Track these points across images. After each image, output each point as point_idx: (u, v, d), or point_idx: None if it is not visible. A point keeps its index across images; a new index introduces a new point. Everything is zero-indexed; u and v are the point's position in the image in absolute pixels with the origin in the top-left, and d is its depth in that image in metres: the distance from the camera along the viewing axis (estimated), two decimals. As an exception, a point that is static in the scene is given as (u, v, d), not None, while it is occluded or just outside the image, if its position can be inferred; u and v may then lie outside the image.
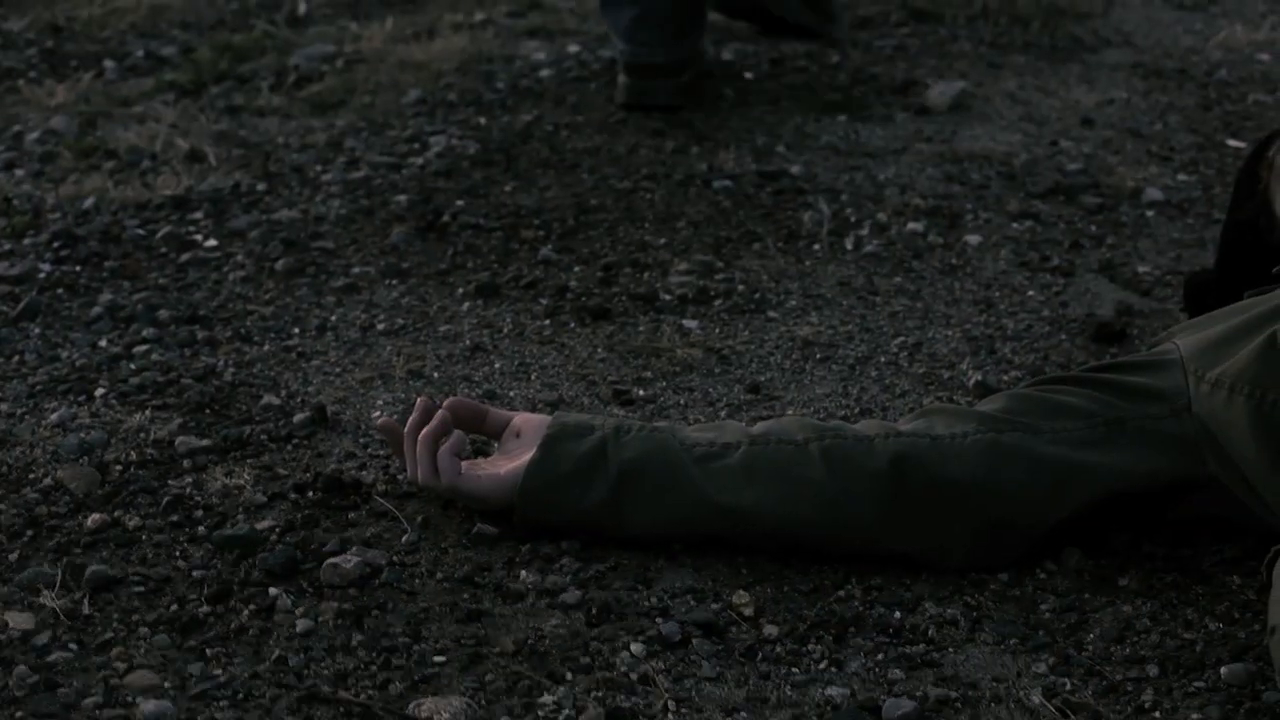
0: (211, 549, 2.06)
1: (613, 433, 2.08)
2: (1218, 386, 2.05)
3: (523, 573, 2.00)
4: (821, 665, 1.86)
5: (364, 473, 2.24)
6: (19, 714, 1.73)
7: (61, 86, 3.88)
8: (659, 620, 1.91)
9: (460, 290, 2.82)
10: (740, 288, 2.82)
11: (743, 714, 1.77)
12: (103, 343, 2.66)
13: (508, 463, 2.10)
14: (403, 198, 3.18)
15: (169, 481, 2.22)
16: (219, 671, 1.81)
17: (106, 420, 2.40)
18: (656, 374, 2.54)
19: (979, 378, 2.52)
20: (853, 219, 3.09)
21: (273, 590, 1.96)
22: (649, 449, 2.06)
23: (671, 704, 1.78)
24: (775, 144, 3.44)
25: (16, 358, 2.62)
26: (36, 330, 2.71)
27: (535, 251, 2.96)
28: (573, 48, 3.99)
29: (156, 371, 2.55)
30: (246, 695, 1.78)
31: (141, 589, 1.96)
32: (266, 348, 2.64)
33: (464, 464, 2.11)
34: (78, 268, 2.94)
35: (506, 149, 3.41)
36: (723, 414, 2.42)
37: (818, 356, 2.60)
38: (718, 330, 2.68)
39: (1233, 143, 3.50)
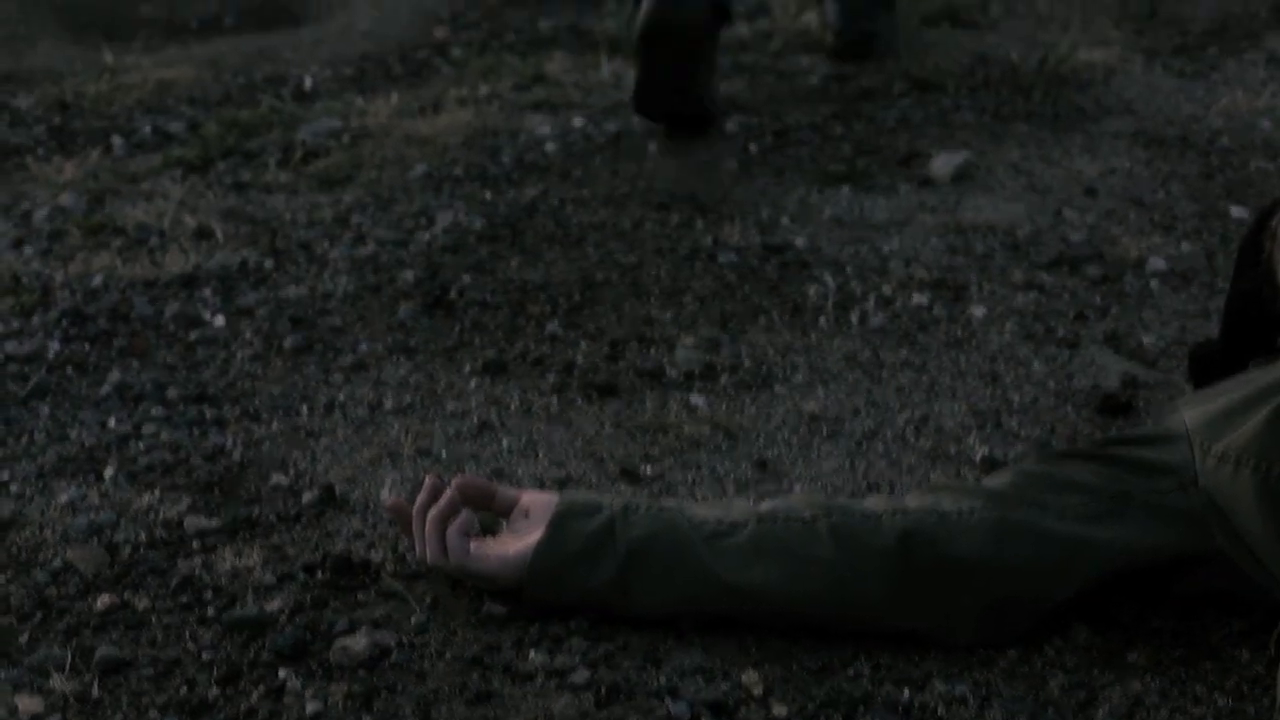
0: (221, 630, 2.06)
1: (620, 511, 2.08)
2: (1224, 460, 2.06)
3: (532, 653, 2.00)
4: (831, 745, 1.86)
5: (373, 552, 2.24)
6: (30, 801, 1.73)
7: (69, 163, 3.90)
8: (668, 700, 1.91)
9: (468, 367, 2.84)
10: (746, 362, 2.83)
11: (753, 795, 1.77)
12: (112, 422, 2.67)
13: (516, 542, 2.11)
14: (410, 274, 3.19)
15: (178, 562, 2.23)
16: (229, 756, 1.82)
17: (116, 501, 2.41)
18: (664, 451, 2.55)
19: (986, 452, 2.52)
20: (858, 292, 3.10)
21: (282, 672, 1.96)
22: (657, 528, 2.07)
23: (682, 785, 1.78)
24: (780, 216, 3.45)
25: (26, 437, 2.63)
26: (46, 410, 2.72)
27: (542, 327, 2.97)
28: (577, 121, 4.01)
29: (165, 451, 2.56)
30: (257, 780, 1.78)
31: (151, 671, 1.97)
32: (275, 426, 2.65)
33: (472, 543, 2.12)
34: (86, 346, 2.95)
35: (512, 224, 3.43)
36: (730, 491, 2.43)
37: (824, 432, 2.61)
38: (724, 406, 2.69)
39: (1235, 210, 3.51)
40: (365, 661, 1.98)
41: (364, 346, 2.92)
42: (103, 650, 2.00)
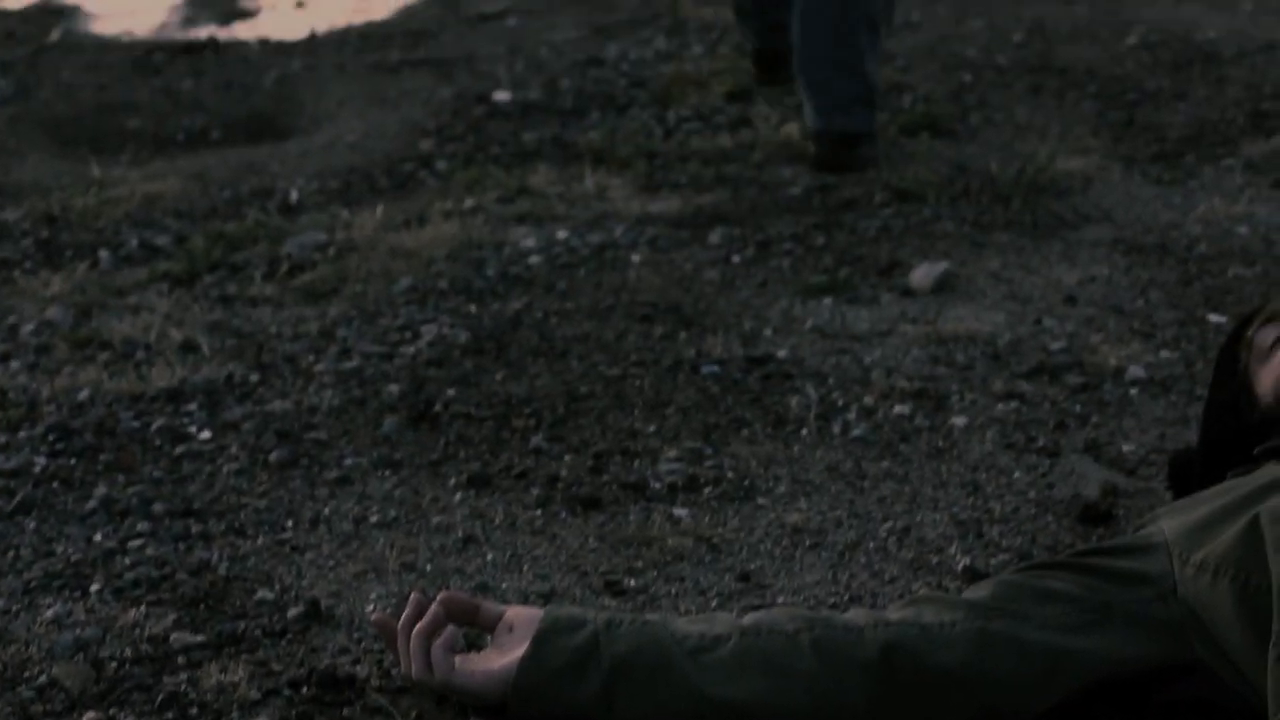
0: (206, 748, 2.07)
1: (604, 626, 2.10)
2: (1202, 569, 2.07)
3: (516, 769, 2.01)
4: None
5: (358, 668, 2.25)
6: None
7: (57, 277, 3.92)
8: (653, 816, 1.92)
9: (452, 481, 2.85)
10: (729, 474, 2.85)
11: None
12: (98, 537, 2.68)
13: (501, 657, 2.12)
14: (395, 387, 3.21)
15: (164, 678, 2.23)
16: None
17: (102, 616, 2.41)
18: (647, 563, 2.56)
19: (967, 562, 2.54)
20: (840, 403, 3.12)
21: (268, 790, 1.97)
22: (641, 642, 2.08)
23: None
24: (763, 328, 3.48)
25: (12, 552, 2.64)
26: (32, 525, 2.73)
27: (526, 440, 2.99)
28: (561, 233, 4.04)
29: (151, 566, 2.57)
30: None
31: (137, 791, 1.97)
32: (260, 541, 2.66)
33: (458, 659, 2.13)
34: (73, 461, 2.97)
35: (497, 337, 3.45)
36: (714, 603, 2.44)
37: (807, 543, 2.62)
38: (707, 518, 2.71)
39: (1214, 318, 3.54)
40: (350, 778, 1.99)
41: (349, 460, 2.93)
42: (88, 769, 2.00)
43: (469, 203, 4.26)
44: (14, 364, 3.43)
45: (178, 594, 2.48)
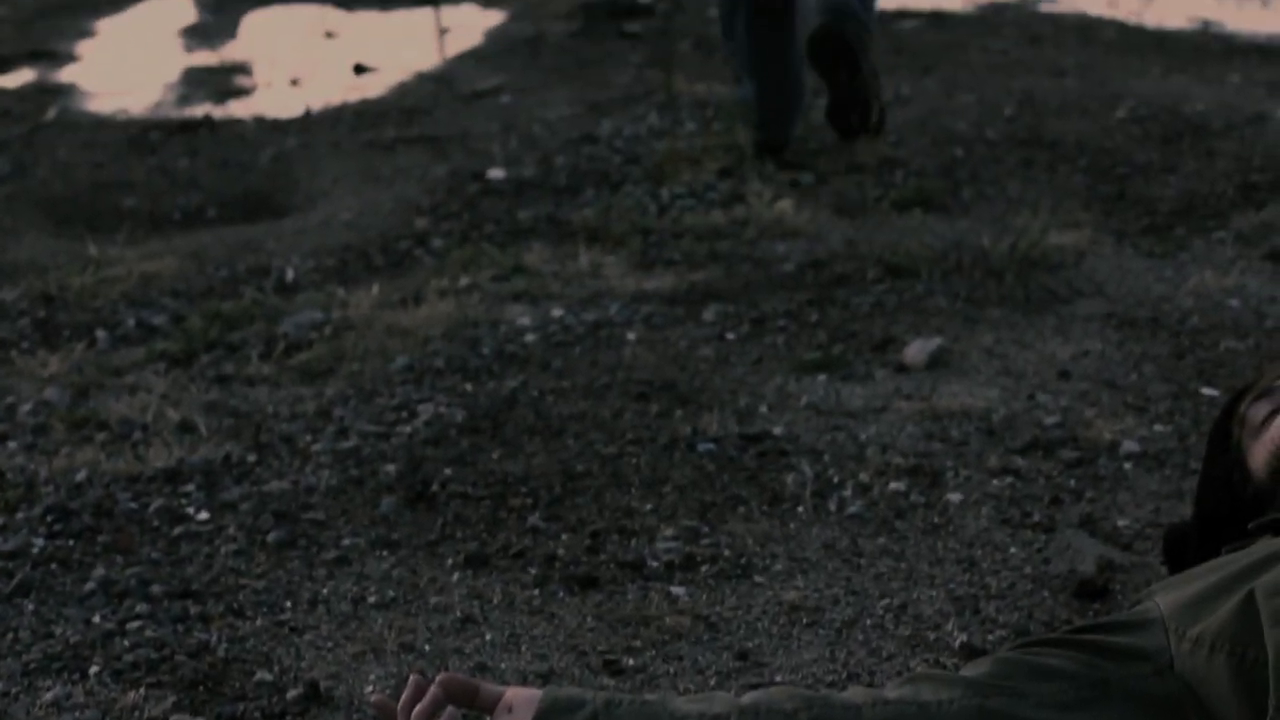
0: (207, 833, 2.07)
1: (603, 707, 2.10)
2: (1199, 645, 2.08)
3: None
4: None
5: (357, 750, 2.26)
6: None
7: (54, 357, 3.94)
8: None
9: (450, 561, 2.86)
10: (726, 552, 2.86)
11: None
12: (96, 619, 2.68)
13: (501, 738, 2.12)
14: (391, 467, 3.23)
15: (164, 763, 2.24)
16: None
17: (101, 699, 2.42)
18: (646, 643, 2.57)
19: (964, 639, 2.55)
20: (835, 480, 3.14)
21: None
22: (640, 723, 2.08)
23: None
24: (758, 405, 3.49)
25: (10, 635, 2.64)
26: (30, 606, 2.74)
27: (523, 520, 3.00)
28: (557, 311, 4.06)
29: (150, 648, 2.58)
30: None
31: None
32: (259, 622, 2.67)
33: (457, 741, 2.13)
34: (71, 542, 2.98)
35: (493, 416, 3.47)
36: (712, 682, 2.44)
37: (804, 621, 2.63)
38: (705, 597, 2.72)
39: (1207, 391, 3.56)
40: None
41: (347, 541, 2.94)
42: None
43: (464, 281, 4.28)
44: (11, 444, 3.44)
45: (177, 676, 2.49)
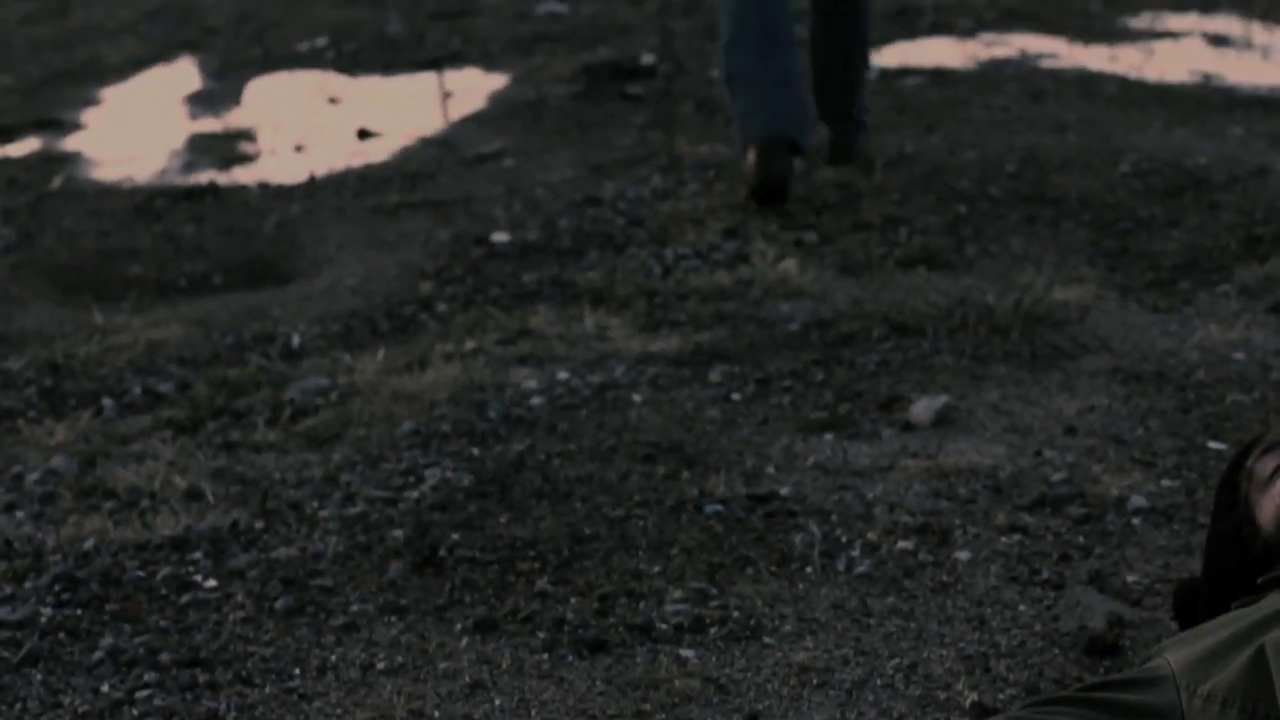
0: None
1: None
2: (1210, 701, 2.08)
3: None
4: None
5: (367, 819, 2.25)
6: None
7: (61, 426, 3.94)
8: None
9: (458, 626, 2.86)
10: (735, 614, 2.86)
11: None
12: (105, 688, 2.68)
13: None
14: (399, 532, 3.22)
15: (173, 834, 2.23)
16: None
17: (110, 770, 2.42)
18: (655, 706, 2.56)
19: (975, 698, 2.54)
20: (843, 539, 3.14)
21: None
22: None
23: None
24: (765, 465, 3.49)
25: (19, 705, 2.64)
26: (39, 676, 2.74)
27: (531, 584, 3.00)
28: (562, 374, 4.06)
29: (159, 717, 2.58)
30: None
31: None
32: (268, 690, 2.66)
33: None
34: (79, 611, 2.98)
35: (500, 480, 3.47)
36: (722, 746, 2.44)
37: (814, 682, 2.63)
38: (714, 659, 2.71)
39: (1214, 445, 3.56)
40: None
41: (355, 607, 2.94)
42: None
43: (470, 345, 4.28)
44: (19, 514, 3.44)
45: (186, 746, 2.48)
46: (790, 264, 4.77)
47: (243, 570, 3.11)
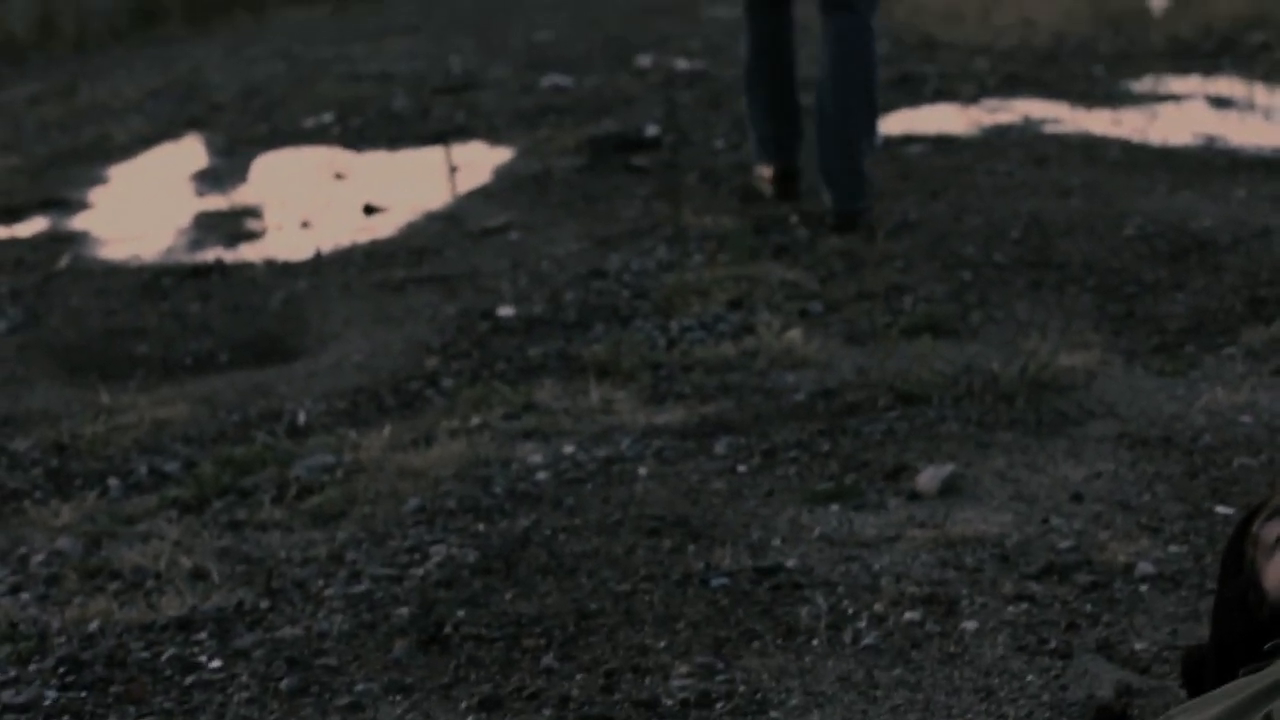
0: None
1: None
2: (1219, 770, 2.07)
3: None
4: None
5: None
6: None
7: (66, 506, 3.94)
8: None
9: (464, 704, 2.85)
10: (742, 688, 2.84)
11: None
12: (109, 772, 2.67)
13: None
14: (404, 610, 3.22)
15: None
16: None
17: None
18: (662, 783, 2.55)
19: (983, 771, 2.53)
20: (850, 611, 3.12)
21: None
22: None
23: None
24: (770, 538, 3.49)
25: (24, 791, 2.63)
26: (43, 761, 2.73)
27: (537, 660, 2.99)
28: (568, 448, 4.06)
29: (164, 801, 2.57)
30: None
31: None
32: (273, 772, 2.66)
33: None
34: (84, 694, 2.97)
35: (506, 555, 3.46)
36: (729, 823, 2.43)
37: (822, 757, 2.62)
38: (721, 734, 2.70)
39: (1221, 509, 3.55)
40: None
41: (360, 686, 2.93)
42: None
43: (475, 420, 4.29)
44: (24, 595, 3.44)
45: (190, 830, 2.47)
46: (795, 334, 4.78)
47: (248, 650, 3.10)
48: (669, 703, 2.80)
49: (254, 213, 7.25)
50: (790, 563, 3.34)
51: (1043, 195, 6.42)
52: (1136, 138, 7.71)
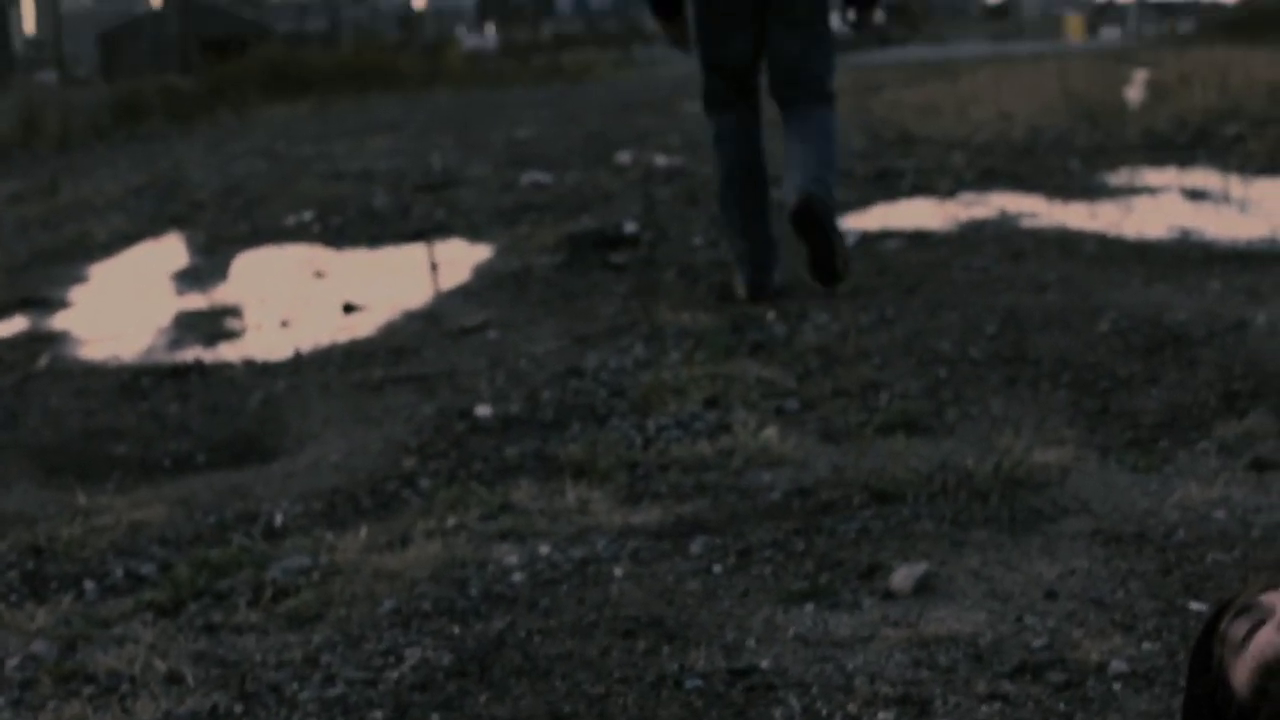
0: None
1: None
2: None
3: None
4: None
5: None
6: None
7: (42, 609, 3.94)
8: None
9: (435, 813, 2.84)
10: (714, 796, 2.84)
11: None
12: None
13: None
14: (379, 714, 3.21)
15: None
16: None
17: None
18: None
19: None
20: (823, 712, 3.13)
21: None
22: None
23: None
24: (745, 638, 3.49)
25: None
26: None
27: (511, 764, 2.99)
28: (544, 549, 4.07)
29: None
30: None
31: None
32: None
33: None
34: (54, 806, 2.96)
35: (480, 658, 3.46)
36: None
37: None
38: (693, 840, 2.70)
39: (1194, 605, 3.55)
40: None
41: (333, 793, 2.92)
42: None
43: (451, 521, 4.29)
44: (-1, 701, 3.43)
45: None
46: (771, 432, 4.80)
47: (221, 756, 3.09)
48: (642, 807, 2.80)
49: (234, 312, 7.28)
50: (764, 663, 3.35)
51: (1019, 290, 6.46)
52: (1112, 231, 7.78)
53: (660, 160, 11.31)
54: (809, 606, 3.64)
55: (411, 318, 6.77)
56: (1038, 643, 3.39)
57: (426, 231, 8.54)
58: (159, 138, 18.37)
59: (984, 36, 51.50)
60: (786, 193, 6.46)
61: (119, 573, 4.18)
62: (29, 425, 5.66)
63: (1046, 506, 4.17)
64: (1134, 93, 16.80)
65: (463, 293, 7.16)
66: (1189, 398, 5.02)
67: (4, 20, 48.83)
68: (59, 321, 7.40)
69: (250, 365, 6.21)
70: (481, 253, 8.02)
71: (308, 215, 9.24)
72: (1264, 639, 2.40)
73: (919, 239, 7.70)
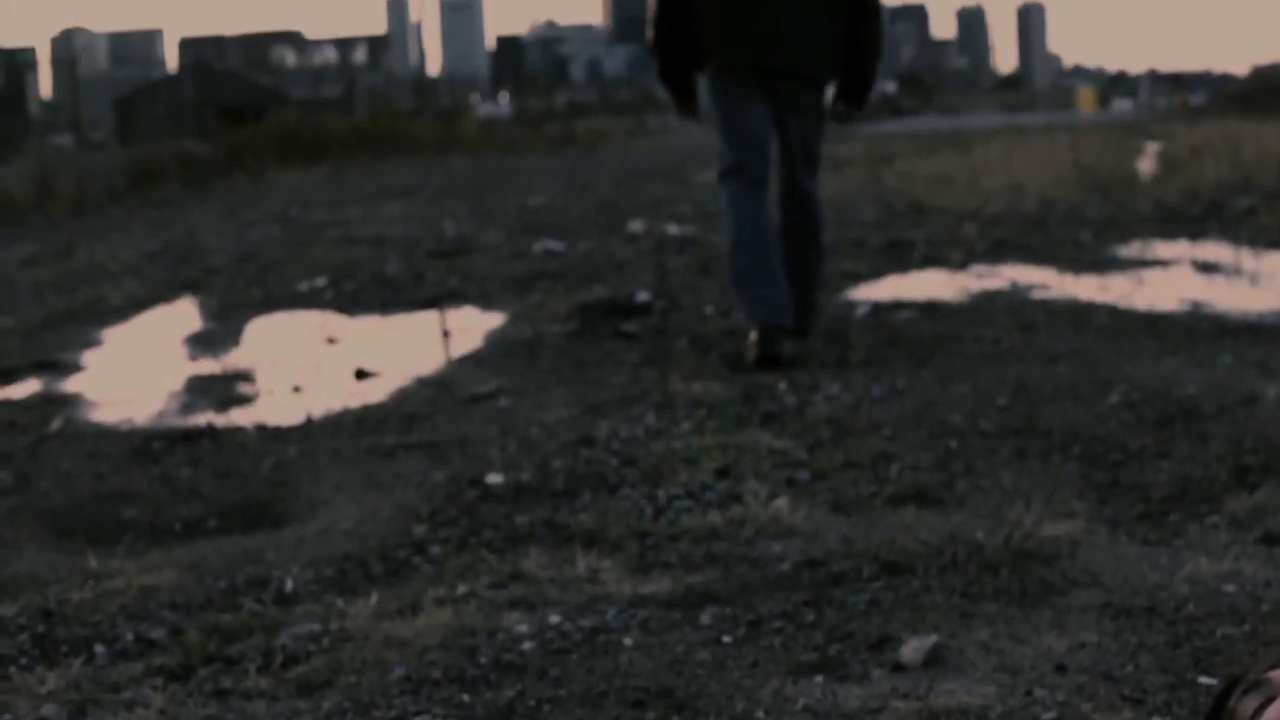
0: None
1: None
2: None
3: None
4: None
5: None
6: None
7: (52, 674, 3.94)
8: None
9: None
10: None
11: None
12: None
13: None
14: (387, 783, 3.22)
15: None
16: None
17: None
18: None
19: None
20: (832, 785, 3.13)
21: None
22: None
23: None
24: (754, 709, 3.49)
25: None
26: None
27: (518, 844, 2.98)
28: (554, 618, 4.07)
29: None
30: None
31: None
32: None
33: None
34: None
35: (490, 730, 3.46)
36: None
37: None
38: None
39: (1204, 680, 3.55)
40: None
41: None
42: None
43: (462, 589, 4.30)
44: (9, 766, 3.43)
45: None
46: (782, 503, 4.80)
47: (229, 824, 3.09)
48: None
49: (246, 377, 7.31)
50: (773, 737, 3.35)
51: (1029, 362, 6.48)
52: (1123, 303, 7.80)
53: (673, 229, 11.35)
54: (818, 678, 3.64)
55: (423, 384, 6.79)
56: (1047, 716, 3.39)
57: (439, 298, 8.58)
58: (174, 203, 18.46)
59: (996, 107, 51.75)
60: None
61: (129, 637, 4.19)
62: (41, 488, 5.68)
63: (1056, 579, 4.17)
64: (1146, 165, 16.86)
65: (475, 360, 7.18)
66: (1199, 471, 5.02)
67: (21, 84, 49.19)
68: (72, 385, 7.43)
69: (262, 430, 6.22)
70: (494, 320, 8.04)
71: (321, 281, 9.28)
72: (1273, 716, 2.41)
73: (930, 310, 7.73)
